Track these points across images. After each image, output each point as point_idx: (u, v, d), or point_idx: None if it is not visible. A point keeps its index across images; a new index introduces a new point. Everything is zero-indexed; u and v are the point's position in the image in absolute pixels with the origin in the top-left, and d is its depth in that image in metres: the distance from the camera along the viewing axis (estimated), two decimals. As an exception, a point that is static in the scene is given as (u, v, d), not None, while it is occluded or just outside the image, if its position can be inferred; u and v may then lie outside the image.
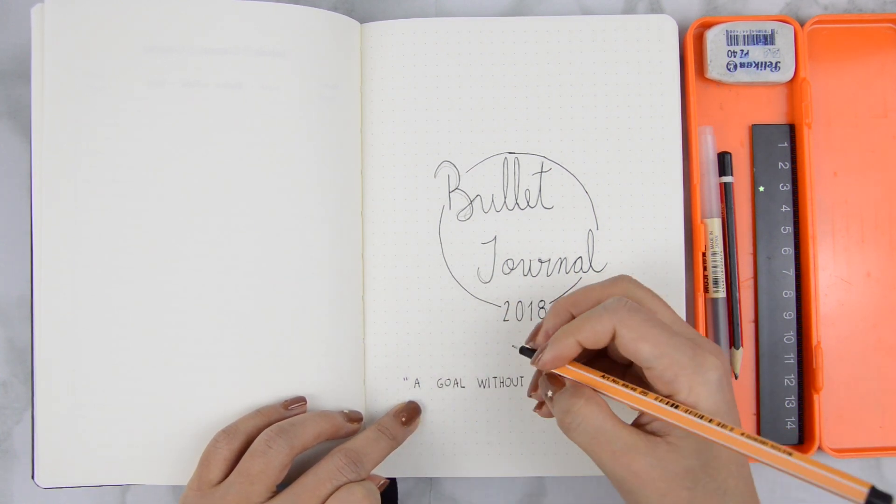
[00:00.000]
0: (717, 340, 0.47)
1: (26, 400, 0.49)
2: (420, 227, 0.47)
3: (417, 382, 0.47)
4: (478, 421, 0.47)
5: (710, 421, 0.34)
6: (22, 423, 0.49)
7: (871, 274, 0.48)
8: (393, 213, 0.47)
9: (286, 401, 0.44)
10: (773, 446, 0.32)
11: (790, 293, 0.48)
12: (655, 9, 0.50)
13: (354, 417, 0.45)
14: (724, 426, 0.33)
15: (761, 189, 0.48)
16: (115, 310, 0.44)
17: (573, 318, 0.39)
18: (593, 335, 0.36)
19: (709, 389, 0.35)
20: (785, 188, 0.48)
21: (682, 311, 0.47)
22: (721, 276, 0.47)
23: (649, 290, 0.39)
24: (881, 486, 0.49)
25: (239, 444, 0.41)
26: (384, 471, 0.46)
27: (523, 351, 0.40)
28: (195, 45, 0.44)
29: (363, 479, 0.41)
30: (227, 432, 0.42)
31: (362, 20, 0.48)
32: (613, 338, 0.36)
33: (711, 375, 0.35)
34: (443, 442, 0.47)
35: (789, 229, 0.48)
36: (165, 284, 0.44)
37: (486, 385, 0.47)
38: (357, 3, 0.50)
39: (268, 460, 0.40)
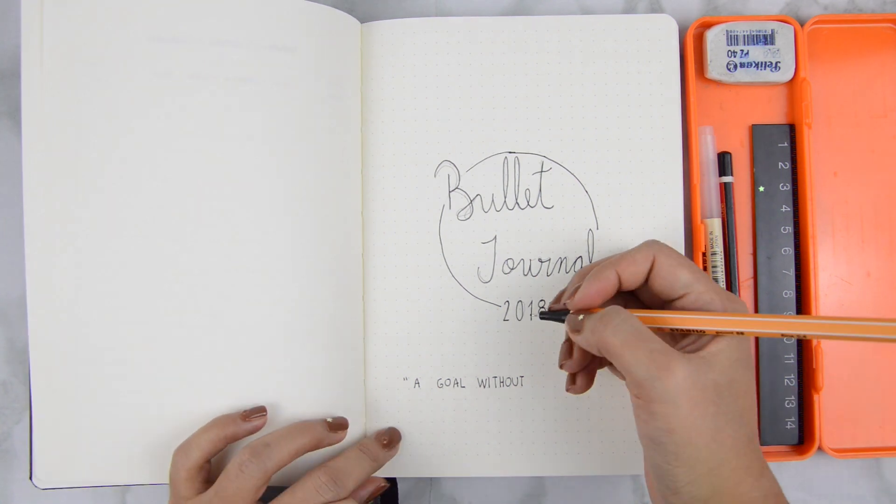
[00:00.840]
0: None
1: (26, 400, 0.49)
2: (420, 226, 0.47)
3: (417, 382, 0.47)
4: (478, 421, 0.47)
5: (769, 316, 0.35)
6: (22, 424, 0.49)
7: (871, 274, 0.48)
8: (393, 213, 0.47)
9: (245, 411, 0.43)
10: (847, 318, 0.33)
11: (790, 293, 0.48)
12: (655, 9, 0.50)
13: (339, 425, 0.44)
14: (789, 316, 0.35)
15: (761, 189, 0.48)
16: (112, 310, 0.44)
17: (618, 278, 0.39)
18: (633, 265, 0.38)
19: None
20: (785, 188, 0.48)
21: (682, 311, 0.47)
22: (721, 276, 0.47)
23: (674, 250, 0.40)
24: (881, 487, 0.49)
25: (194, 460, 0.41)
26: (384, 470, 0.46)
27: (547, 315, 0.41)
28: (200, 37, 0.44)
29: (344, 499, 0.41)
30: (182, 450, 0.41)
31: (362, 20, 0.48)
32: (649, 275, 0.38)
33: (740, 305, 0.37)
34: (443, 442, 0.47)
35: (789, 229, 0.48)
36: (165, 283, 0.44)
37: (486, 385, 0.47)
38: (357, 3, 0.50)
39: (240, 484, 0.40)
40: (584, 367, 0.42)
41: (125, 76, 0.43)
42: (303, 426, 0.42)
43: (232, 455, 0.42)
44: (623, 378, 0.37)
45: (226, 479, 0.40)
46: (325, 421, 0.44)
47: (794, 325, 0.34)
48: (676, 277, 0.37)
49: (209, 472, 0.42)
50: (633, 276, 0.38)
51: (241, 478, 0.40)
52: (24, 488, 0.48)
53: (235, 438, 0.42)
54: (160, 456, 0.44)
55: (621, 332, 0.36)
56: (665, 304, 0.39)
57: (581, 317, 0.38)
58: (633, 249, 0.39)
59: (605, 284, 0.38)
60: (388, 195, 0.47)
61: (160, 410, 0.44)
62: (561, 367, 0.42)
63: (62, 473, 0.44)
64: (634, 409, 0.36)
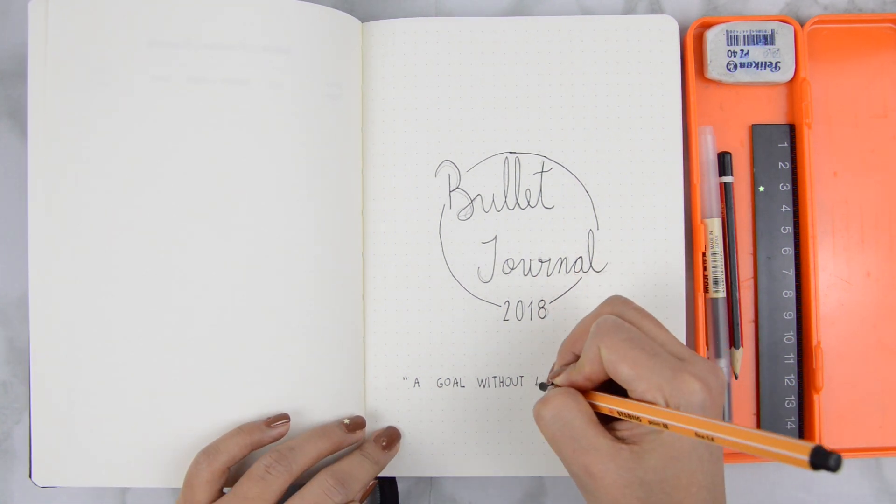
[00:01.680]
0: (717, 340, 0.47)
1: (26, 400, 0.49)
2: (420, 226, 0.47)
3: (417, 382, 0.47)
4: (478, 421, 0.47)
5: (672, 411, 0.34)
6: (22, 424, 0.49)
7: (871, 274, 0.48)
8: (393, 213, 0.47)
9: (269, 418, 0.43)
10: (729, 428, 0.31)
11: (790, 293, 0.48)
12: (655, 9, 0.50)
13: (356, 425, 0.45)
14: (677, 415, 0.33)
15: (761, 189, 0.48)
16: (112, 311, 0.44)
17: (576, 357, 0.39)
18: (589, 365, 0.37)
19: (693, 410, 0.34)
20: (785, 188, 0.48)
21: (681, 311, 0.47)
22: (721, 276, 0.47)
23: (640, 309, 0.39)
24: (881, 487, 0.49)
25: (220, 464, 0.41)
26: (385, 470, 0.46)
27: (543, 387, 0.41)
28: (199, 41, 0.44)
29: (351, 501, 0.41)
30: (208, 453, 0.41)
31: (362, 20, 0.48)
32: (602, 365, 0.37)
33: (693, 399, 0.34)
34: (443, 442, 0.47)
35: (789, 229, 0.48)
36: (164, 283, 0.44)
37: (486, 385, 0.47)
38: (357, 3, 0.50)
39: (265, 485, 0.40)
40: None
41: (125, 80, 0.44)
42: (323, 430, 0.43)
43: (249, 462, 0.42)
44: None
45: (249, 482, 0.40)
46: (342, 423, 0.44)
47: (707, 426, 0.32)
48: (617, 372, 0.36)
49: (227, 479, 0.42)
50: (597, 374, 0.37)
51: (266, 479, 0.40)
52: (24, 488, 0.48)
53: (261, 445, 0.43)
54: (160, 459, 0.44)
55: (552, 424, 0.37)
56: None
57: (550, 386, 0.39)
58: (587, 342, 0.37)
59: (580, 385, 0.38)
60: (388, 195, 0.47)
61: (160, 413, 0.44)
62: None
63: (62, 473, 0.44)
64: None
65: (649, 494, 0.34)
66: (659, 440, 0.35)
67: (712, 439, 0.31)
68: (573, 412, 0.36)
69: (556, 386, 0.39)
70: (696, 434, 0.32)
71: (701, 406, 0.34)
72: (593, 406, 0.37)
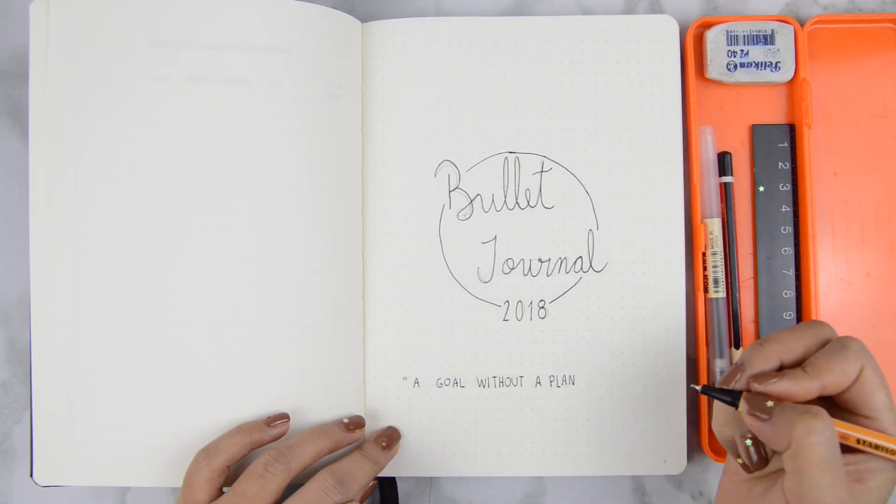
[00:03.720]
0: (717, 340, 0.47)
1: (26, 400, 0.49)
2: (420, 226, 0.47)
3: (417, 382, 0.47)
4: (478, 421, 0.47)
5: None
6: (22, 423, 0.49)
7: (871, 274, 0.48)
8: (393, 213, 0.47)
9: (269, 417, 0.43)
10: None
11: (790, 293, 0.48)
12: (655, 9, 0.50)
13: (355, 425, 0.45)
14: None
15: (761, 189, 0.48)
16: (112, 310, 0.44)
17: (782, 364, 0.35)
18: (843, 377, 0.34)
19: None
20: (785, 188, 0.48)
21: (681, 311, 0.47)
22: (721, 276, 0.47)
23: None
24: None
25: (220, 463, 0.41)
26: (384, 470, 0.46)
27: (713, 393, 0.36)
28: (199, 41, 0.44)
29: (350, 501, 0.41)
30: (207, 452, 0.41)
31: (362, 20, 0.48)
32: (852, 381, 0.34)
33: None
34: (443, 442, 0.47)
35: (789, 229, 0.48)
36: (164, 283, 0.44)
37: (486, 385, 0.47)
38: (357, 3, 0.50)
39: (264, 483, 0.40)
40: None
41: (126, 80, 0.44)
42: (322, 429, 0.43)
43: (249, 462, 0.42)
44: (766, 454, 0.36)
45: (247, 480, 0.40)
46: (342, 422, 0.44)
47: None
48: (874, 398, 0.34)
49: (227, 478, 0.42)
50: (838, 388, 0.34)
51: (265, 477, 0.40)
52: (24, 488, 0.48)
53: (260, 444, 0.43)
54: (160, 458, 0.44)
55: (826, 448, 0.32)
56: (836, 407, 0.36)
57: (771, 403, 0.34)
58: (840, 353, 0.34)
59: (798, 395, 0.34)
60: (388, 195, 0.47)
61: (160, 412, 0.44)
62: (748, 468, 0.37)
63: (62, 472, 0.44)
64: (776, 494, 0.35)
65: None
66: (882, 478, 0.34)
67: None
68: (837, 440, 0.33)
69: (731, 393, 0.35)
70: None
71: None
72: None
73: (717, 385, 0.36)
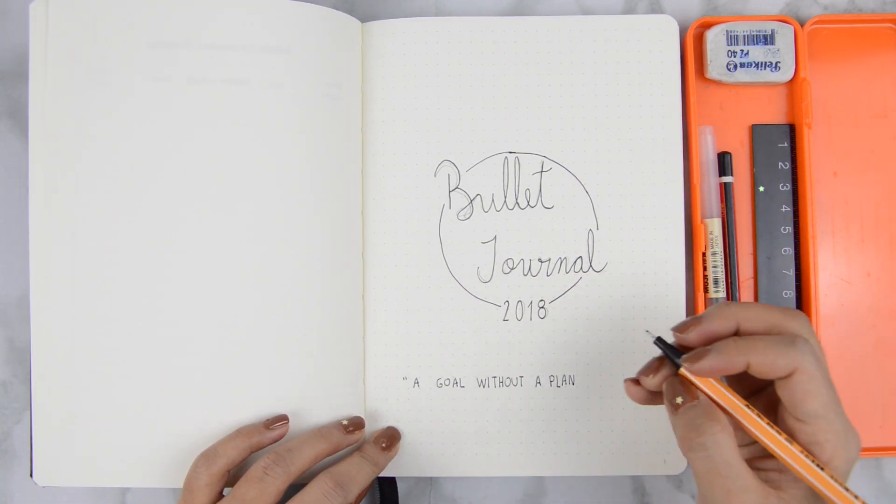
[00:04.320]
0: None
1: (26, 400, 0.49)
2: (420, 226, 0.47)
3: (417, 382, 0.47)
4: (478, 421, 0.47)
5: (857, 498, 0.33)
6: (21, 423, 0.49)
7: (871, 274, 0.48)
8: (393, 213, 0.47)
9: (267, 420, 0.43)
10: None
11: (790, 293, 0.48)
12: (655, 9, 0.50)
13: (354, 426, 0.45)
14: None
15: (761, 189, 0.48)
16: (112, 311, 0.44)
17: (737, 329, 0.35)
18: (770, 367, 0.34)
19: (847, 467, 0.34)
20: (785, 188, 0.48)
21: (681, 311, 0.47)
22: (721, 276, 0.47)
23: (818, 341, 0.36)
24: (881, 487, 0.49)
25: (219, 467, 0.41)
26: (385, 471, 0.46)
27: (661, 343, 0.36)
28: (199, 41, 0.44)
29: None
30: (207, 456, 0.41)
31: (362, 20, 0.48)
32: (780, 378, 0.34)
33: (853, 455, 0.34)
34: (443, 442, 0.47)
35: (789, 229, 0.48)
36: (164, 283, 0.44)
37: (486, 385, 0.47)
38: (357, 3, 0.50)
39: (263, 487, 0.40)
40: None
41: (126, 80, 0.44)
42: (321, 432, 0.43)
43: (248, 465, 0.42)
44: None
45: (247, 484, 0.40)
46: (341, 424, 0.44)
47: None
48: (804, 403, 0.34)
49: (227, 482, 0.42)
50: (763, 373, 0.34)
51: (265, 481, 0.40)
52: (24, 488, 0.48)
53: (260, 447, 0.43)
54: (160, 459, 0.44)
55: (708, 461, 0.33)
56: (774, 400, 0.36)
57: (679, 399, 0.35)
58: (782, 345, 0.34)
59: (732, 368, 0.34)
60: (388, 195, 0.47)
61: (160, 413, 0.44)
62: (636, 379, 0.37)
63: (62, 473, 0.44)
64: None
65: None
66: (797, 494, 0.34)
67: None
68: (730, 451, 0.33)
69: (669, 346, 0.36)
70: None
71: (854, 461, 0.35)
72: (736, 422, 0.35)
73: (673, 329, 0.36)
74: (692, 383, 0.35)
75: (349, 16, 0.47)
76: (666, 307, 0.47)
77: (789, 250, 0.48)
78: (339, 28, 0.47)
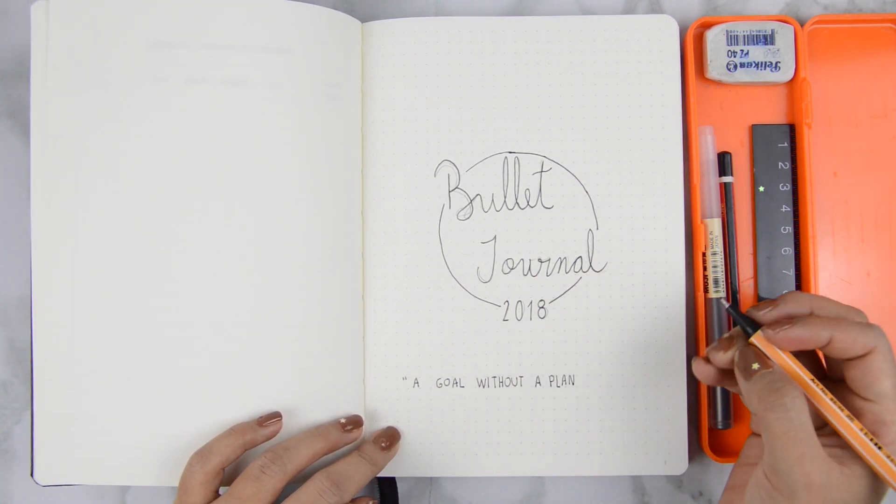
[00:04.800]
0: (717, 340, 0.47)
1: (26, 400, 0.49)
2: (420, 226, 0.47)
3: (417, 382, 0.47)
4: (478, 421, 0.47)
5: None
6: (22, 423, 0.49)
7: (871, 274, 0.48)
8: (393, 213, 0.47)
9: (261, 417, 0.43)
10: None
11: (790, 293, 0.48)
12: (655, 9, 0.50)
13: (352, 424, 0.45)
14: None
15: (761, 189, 0.48)
16: (113, 310, 0.44)
17: (811, 314, 0.37)
18: (850, 343, 0.35)
19: None
20: (785, 188, 0.48)
21: (681, 311, 0.47)
22: (721, 276, 0.47)
23: None
24: (881, 487, 0.48)
25: (213, 465, 0.41)
26: (384, 470, 0.46)
27: (735, 312, 0.38)
28: (199, 41, 0.44)
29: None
30: (201, 454, 0.41)
31: (362, 20, 0.48)
32: (856, 357, 0.36)
33: None
34: (443, 442, 0.47)
35: (789, 229, 0.48)
36: (164, 283, 0.44)
37: (486, 385, 0.47)
38: (357, 3, 0.50)
39: (260, 485, 0.40)
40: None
41: (126, 80, 0.44)
42: (318, 431, 0.43)
43: (245, 463, 0.42)
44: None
45: (244, 482, 0.40)
46: (339, 423, 0.44)
47: None
48: (877, 382, 0.35)
49: (222, 480, 0.42)
50: (841, 351, 0.36)
51: (261, 479, 0.40)
52: (24, 487, 0.48)
53: (254, 444, 0.43)
54: (160, 457, 0.44)
55: (788, 421, 0.34)
56: (843, 383, 0.37)
57: (756, 365, 0.36)
58: (862, 326, 0.36)
59: (815, 341, 0.36)
60: (388, 195, 0.47)
61: (161, 412, 0.44)
62: (706, 356, 0.39)
63: (63, 471, 0.44)
64: (758, 479, 0.36)
65: None
66: (859, 472, 0.35)
67: None
68: (807, 414, 0.34)
69: (746, 317, 0.38)
70: None
71: None
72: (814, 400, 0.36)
73: (749, 310, 0.38)
74: (764, 355, 0.37)
75: (349, 16, 0.47)
76: (666, 307, 0.47)
77: (789, 250, 0.48)
78: (339, 28, 0.47)
